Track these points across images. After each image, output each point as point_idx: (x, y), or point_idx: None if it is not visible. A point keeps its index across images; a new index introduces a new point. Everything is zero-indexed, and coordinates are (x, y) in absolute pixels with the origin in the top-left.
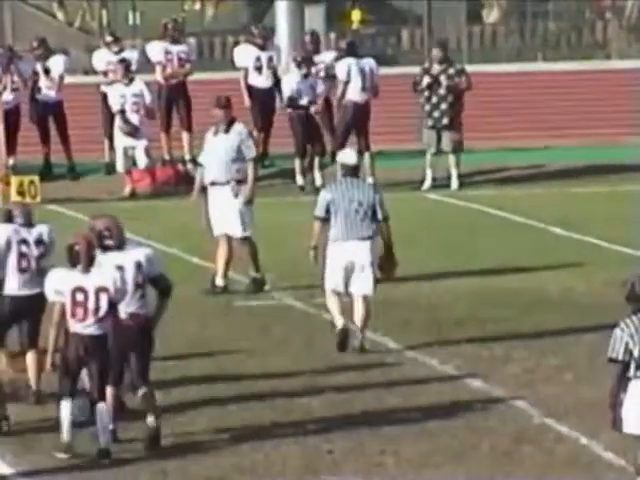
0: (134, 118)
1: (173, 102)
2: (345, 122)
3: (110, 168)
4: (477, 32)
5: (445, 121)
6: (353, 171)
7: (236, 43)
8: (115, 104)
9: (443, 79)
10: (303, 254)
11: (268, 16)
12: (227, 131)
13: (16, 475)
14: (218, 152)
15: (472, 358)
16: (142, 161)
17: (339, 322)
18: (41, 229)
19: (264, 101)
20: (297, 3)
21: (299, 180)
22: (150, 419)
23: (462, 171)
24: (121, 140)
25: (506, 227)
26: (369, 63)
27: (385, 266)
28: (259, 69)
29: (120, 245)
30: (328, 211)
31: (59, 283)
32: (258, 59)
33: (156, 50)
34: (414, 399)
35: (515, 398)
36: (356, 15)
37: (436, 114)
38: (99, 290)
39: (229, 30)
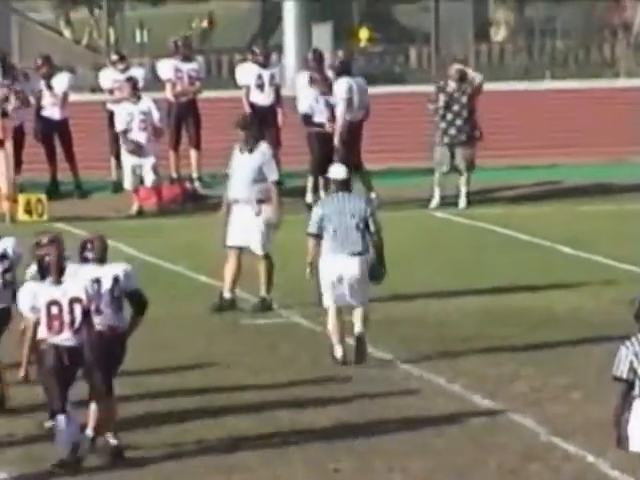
0: (141, 136)
1: (183, 120)
2: (346, 141)
3: (117, 186)
4: (485, 50)
5: (462, 137)
6: (344, 185)
7: (242, 60)
8: (120, 123)
9: (459, 96)
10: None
11: (276, 34)
12: (251, 151)
13: None
14: (241, 171)
15: (479, 376)
16: (150, 179)
17: (338, 352)
18: (6, 243)
19: (265, 118)
20: (305, 21)
21: (308, 198)
22: (109, 434)
23: (469, 189)
24: (129, 158)
25: (513, 245)
26: (361, 82)
27: (373, 274)
28: (261, 87)
29: (101, 260)
30: (321, 228)
31: (34, 299)
32: (260, 77)
33: (166, 68)
34: (421, 417)
35: (522, 416)
36: (364, 33)
37: (452, 131)
38: (72, 301)
39: (236, 48)
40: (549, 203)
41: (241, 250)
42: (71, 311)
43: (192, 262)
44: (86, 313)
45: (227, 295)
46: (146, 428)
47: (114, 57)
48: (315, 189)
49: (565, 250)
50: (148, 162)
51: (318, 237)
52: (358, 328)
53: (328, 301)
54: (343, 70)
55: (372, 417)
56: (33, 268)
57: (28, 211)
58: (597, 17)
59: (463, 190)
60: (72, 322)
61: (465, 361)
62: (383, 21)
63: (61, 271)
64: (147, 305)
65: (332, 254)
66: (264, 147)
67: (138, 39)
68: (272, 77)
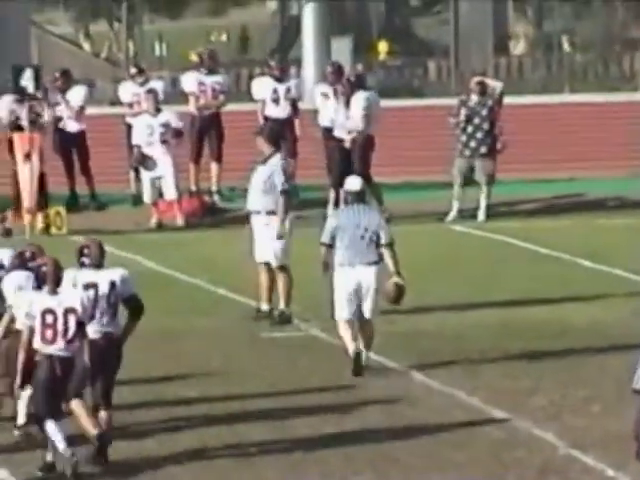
0: (160, 149)
1: (205, 133)
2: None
3: (136, 199)
4: (504, 64)
5: (483, 150)
6: (358, 197)
7: (261, 74)
8: (136, 135)
9: (480, 109)
10: (328, 285)
11: (295, 47)
12: (265, 162)
13: None
14: (255, 182)
15: (498, 389)
16: (169, 192)
17: (351, 347)
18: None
19: (281, 132)
20: (324, 35)
21: (329, 211)
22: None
23: (489, 202)
24: (149, 171)
25: (532, 258)
26: (375, 96)
27: (393, 294)
28: (276, 101)
29: (98, 265)
30: (334, 237)
31: (29, 306)
32: (275, 91)
33: (190, 81)
34: (440, 431)
35: (541, 429)
36: (383, 46)
37: (473, 144)
38: (67, 311)
39: (256, 61)
40: (568, 216)
41: (268, 263)
42: (65, 321)
43: (211, 275)
44: (80, 324)
45: (265, 307)
46: (163, 437)
47: (133, 70)
48: (336, 203)
49: (584, 263)
50: (168, 175)
51: (330, 247)
52: (360, 345)
53: (341, 313)
54: (360, 84)
55: (391, 430)
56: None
57: (47, 224)
58: (616, 31)
59: (483, 203)
60: (65, 332)
61: (484, 374)
62: (402, 34)
63: (58, 281)
64: (143, 310)
65: (347, 265)
66: (276, 158)
67: (157, 52)
68: (288, 90)
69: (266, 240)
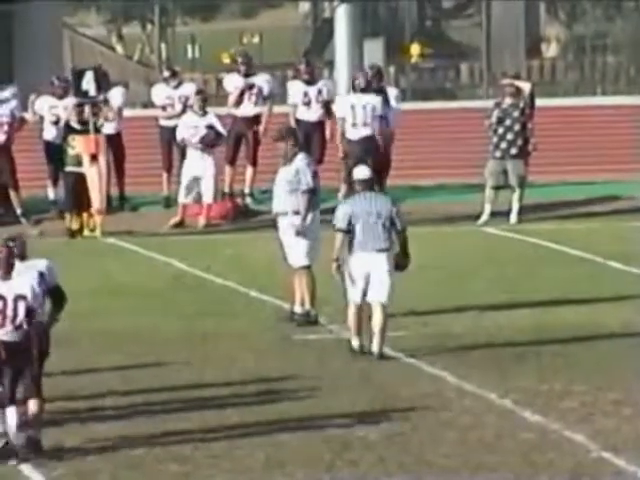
0: (202, 150)
1: (243, 136)
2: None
3: (169, 201)
4: (536, 66)
5: (513, 151)
6: (368, 184)
7: (292, 77)
8: (180, 134)
9: (512, 110)
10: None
11: (328, 50)
12: (288, 163)
13: None
14: (279, 183)
15: (530, 392)
16: (207, 194)
17: (355, 342)
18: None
19: (311, 134)
20: (356, 37)
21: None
22: (31, 432)
23: (522, 205)
24: (188, 172)
25: (565, 261)
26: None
27: (399, 263)
28: (308, 104)
29: (22, 257)
30: (350, 223)
31: None
32: (306, 94)
33: (232, 82)
34: (472, 433)
35: (573, 432)
36: (415, 49)
37: (503, 145)
38: (17, 298)
39: (289, 63)
40: (600, 219)
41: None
42: (15, 307)
43: (243, 277)
44: (29, 311)
45: (298, 310)
46: (195, 442)
47: (166, 73)
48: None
49: (616, 266)
50: (208, 176)
51: (347, 232)
52: (376, 347)
53: (353, 296)
54: (367, 87)
55: (423, 432)
56: None
57: (81, 226)
58: None
59: (515, 206)
60: (14, 318)
61: (516, 376)
62: (434, 37)
63: (9, 268)
64: (66, 300)
65: (361, 251)
66: (299, 157)
67: (190, 54)
68: (319, 92)
69: (290, 241)
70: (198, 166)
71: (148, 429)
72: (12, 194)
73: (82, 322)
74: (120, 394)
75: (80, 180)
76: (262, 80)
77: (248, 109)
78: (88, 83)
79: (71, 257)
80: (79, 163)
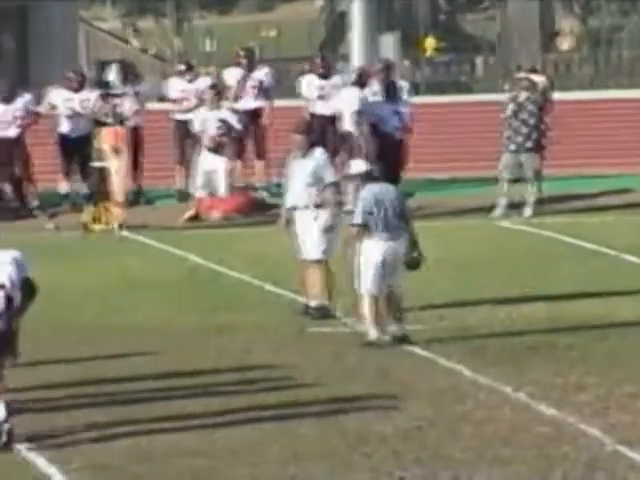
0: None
1: (247, 130)
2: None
3: (182, 195)
4: (551, 60)
5: (529, 144)
6: (369, 176)
7: (309, 70)
8: (195, 128)
9: (527, 104)
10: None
11: (343, 44)
12: (306, 156)
13: None
14: (299, 176)
15: (545, 385)
16: (220, 188)
17: (372, 334)
18: None
19: (326, 128)
20: (371, 31)
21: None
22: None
23: (535, 198)
24: (202, 164)
25: (579, 254)
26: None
27: (411, 262)
28: (323, 98)
29: None
30: (367, 218)
31: None
32: (322, 88)
33: (232, 76)
34: (487, 426)
35: (588, 425)
36: (430, 43)
37: (519, 139)
38: None
39: (305, 57)
40: (615, 212)
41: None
42: None
43: (258, 270)
44: (8, 300)
45: (312, 304)
46: (210, 435)
47: (181, 67)
48: None
49: (631, 259)
50: (221, 171)
51: (365, 227)
52: (398, 330)
53: (368, 286)
54: (360, 81)
55: (439, 426)
56: None
57: (94, 219)
58: None
59: (530, 199)
60: None
61: (531, 370)
62: (449, 30)
63: None
64: (37, 291)
65: (373, 240)
66: (318, 151)
67: (207, 48)
68: (334, 87)
69: (310, 234)
70: (212, 160)
71: (164, 423)
72: (26, 187)
73: (98, 316)
74: (136, 389)
75: (103, 173)
76: (262, 73)
77: (248, 102)
78: (112, 75)
79: (86, 251)
80: (102, 156)
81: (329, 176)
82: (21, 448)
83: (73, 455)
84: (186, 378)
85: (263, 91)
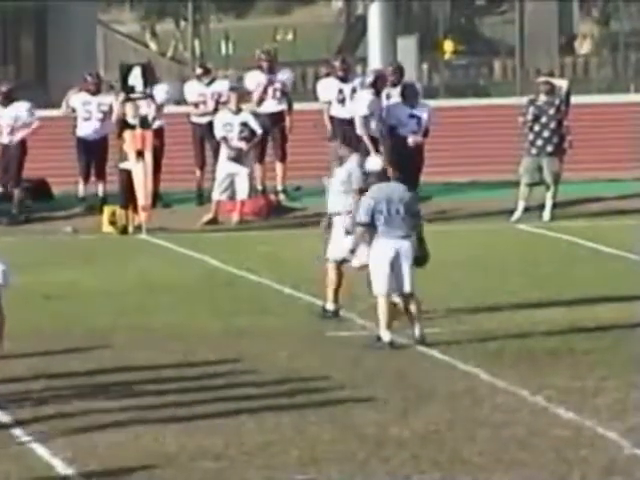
0: (239, 146)
1: (268, 132)
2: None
3: (202, 198)
4: (569, 63)
5: (549, 148)
6: (383, 175)
7: (326, 75)
8: (219, 130)
9: (547, 108)
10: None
11: (361, 47)
12: (342, 163)
13: None
14: (333, 184)
15: (563, 389)
16: (242, 191)
17: (386, 336)
18: None
19: (345, 131)
20: (390, 34)
21: None
22: None
23: (555, 202)
24: (224, 168)
25: (598, 258)
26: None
27: (417, 259)
28: (342, 101)
29: None
30: (373, 217)
31: None
32: (340, 91)
33: (253, 80)
34: (505, 430)
35: (606, 429)
36: (448, 46)
37: (539, 142)
38: None
39: (322, 60)
40: (634, 216)
41: (340, 263)
42: None
43: (276, 274)
44: None
45: (330, 307)
46: (229, 439)
47: (199, 70)
48: None
49: None
50: (243, 173)
51: (370, 226)
52: (417, 331)
53: (380, 287)
54: (375, 85)
55: (456, 429)
56: None
57: (113, 222)
58: None
59: (549, 202)
60: None
61: (549, 373)
62: (467, 33)
63: None
64: None
65: (384, 239)
66: (353, 159)
67: (223, 51)
68: (353, 90)
69: (345, 240)
70: (233, 163)
71: (181, 426)
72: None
73: (116, 319)
74: (154, 391)
75: (128, 176)
76: (284, 76)
77: (272, 106)
78: (135, 79)
79: (104, 253)
80: (126, 158)
81: (357, 182)
82: (38, 450)
83: (91, 457)
84: (204, 381)
85: (285, 94)
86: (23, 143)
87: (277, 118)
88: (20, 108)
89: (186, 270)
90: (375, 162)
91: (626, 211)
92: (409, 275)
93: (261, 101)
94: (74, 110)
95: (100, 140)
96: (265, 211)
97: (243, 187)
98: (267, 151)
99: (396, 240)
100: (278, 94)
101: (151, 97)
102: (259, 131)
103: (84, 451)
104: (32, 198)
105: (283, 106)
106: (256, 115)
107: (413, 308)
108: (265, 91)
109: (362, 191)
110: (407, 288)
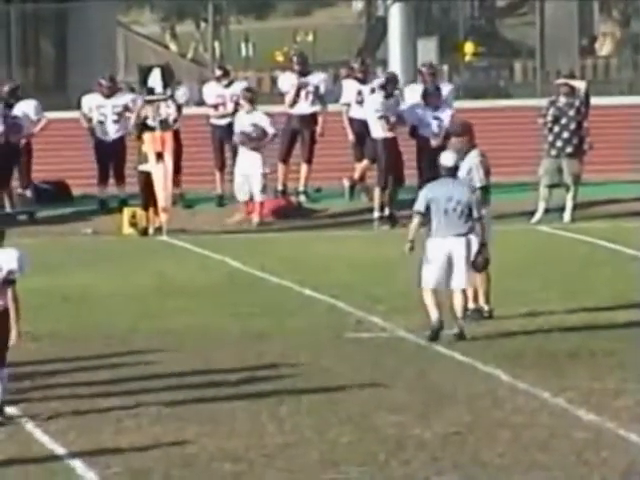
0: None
1: (298, 133)
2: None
3: (222, 200)
4: (590, 64)
5: (569, 149)
6: (451, 172)
7: (346, 77)
8: (237, 126)
9: (567, 109)
10: (414, 286)
11: (381, 48)
12: (463, 158)
13: None
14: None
15: (584, 390)
16: (258, 192)
17: (434, 316)
18: None
19: (363, 133)
20: (410, 36)
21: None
22: None
23: (575, 203)
24: (239, 169)
25: (618, 259)
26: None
27: (477, 262)
28: (361, 102)
29: None
30: (428, 207)
31: None
32: (360, 93)
33: (287, 81)
34: (525, 432)
35: (626, 431)
36: (469, 47)
37: (559, 144)
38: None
39: (342, 62)
40: None
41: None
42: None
43: (297, 275)
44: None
45: (485, 307)
46: (249, 441)
47: (218, 72)
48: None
49: None
50: (256, 175)
51: (424, 216)
52: (458, 328)
53: (428, 281)
54: (385, 87)
55: (477, 431)
56: None
57: (133, 224)
58: None
59: (569, 204)
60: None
61: (569, 375)
62: (488, 35)
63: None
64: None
65: (439, 236)
66: (472, 154)
67: (243, 53)
68: (372, 91)
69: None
70: (247, 163)
71: (201, 427)
72: (6, 192)
73: (136, 321)
74: (173, 393)
75: (148, 178)
76: (318, 79)
77: (304, 108)
78: (154, 80)
79: (123, 255)
80: (146, 160)
81: (479, 180)
82: (57, 450)
83: (112, 459)
84: (224, 383)
85: (318, 97)
86: (28, 143)
87: (309, 120)
88: (26, 107)
89: (206, 272)
90: (448, 157)
91: None
92: (462, 272)
93: (294, 103)
94: (90, 120)
95: (117, 141)
96: (284, 212)
97: (257, 188)
98: (294, 152)
99: (450, 238)
100: (311, 97)
101: (172, 98)
102: (271, 131)
103: (105, 452)
104: (52, 200)
105: (315, 108)
106: (269, 115)
107: (458, 304)
108: (298, 93)
109: (482, 188)
110: (460, 285)
